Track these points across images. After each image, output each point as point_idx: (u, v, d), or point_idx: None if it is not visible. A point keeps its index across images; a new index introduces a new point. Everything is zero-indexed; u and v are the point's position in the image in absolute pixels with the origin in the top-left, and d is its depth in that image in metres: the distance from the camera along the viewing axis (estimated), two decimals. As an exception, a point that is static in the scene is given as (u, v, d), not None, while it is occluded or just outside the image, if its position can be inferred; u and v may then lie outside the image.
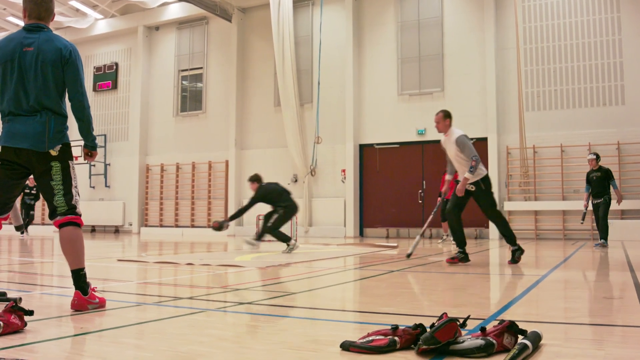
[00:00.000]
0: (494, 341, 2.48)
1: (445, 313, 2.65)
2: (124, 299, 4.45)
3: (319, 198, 17.95)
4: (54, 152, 3.79)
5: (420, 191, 16.77)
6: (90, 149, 4.07)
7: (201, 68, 20.74)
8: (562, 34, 15.75)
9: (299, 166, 17.90)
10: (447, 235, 12.93)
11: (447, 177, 8.11)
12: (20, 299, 3.17)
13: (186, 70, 21.13)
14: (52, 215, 3.88)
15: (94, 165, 22.03)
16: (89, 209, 20.47)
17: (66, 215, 3.84)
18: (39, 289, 5.13)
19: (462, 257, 7.37)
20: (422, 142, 16.85)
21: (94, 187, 22.07)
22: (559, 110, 15.62)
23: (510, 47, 16.07)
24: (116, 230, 21.70)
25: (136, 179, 21.24)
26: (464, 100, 16.50)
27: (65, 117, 3.91)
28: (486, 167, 15.93)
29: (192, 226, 18.73)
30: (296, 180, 18.26)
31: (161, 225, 20.39)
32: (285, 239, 9.66)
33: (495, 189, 15.83)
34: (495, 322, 2.69)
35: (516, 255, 7.30)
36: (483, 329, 2.54)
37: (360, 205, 17.49)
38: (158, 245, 12.74)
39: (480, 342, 2.45)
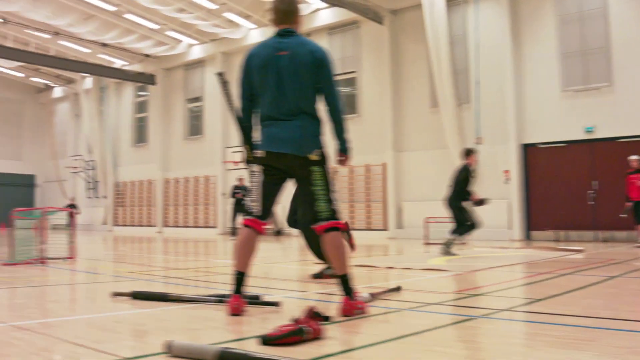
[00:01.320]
0: None
1: None
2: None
3: (480, 200, 17.51)
4: (314, 157, 3.81)
5: (590, 192, 15.90)
6: (344, 153, 4.05)
7: (354, 72, 20.96)
8: None
9: (460, 167, 17.56)
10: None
11: None
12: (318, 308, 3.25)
13: (339, 74, 21.45)
14: (314, 221, 3.88)
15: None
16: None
17: (330, 221, 3.83)
18: (275, 292, 5.21)
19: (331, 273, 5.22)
20: (590, 140, 15.96)
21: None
22: None
23: (690, 33, 14.81)
24: (278, 232, 22.32)
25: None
26: (638, 95, 15.42)
27: (321, 120, 3.92)
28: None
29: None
30: (456, 182, 17.95)
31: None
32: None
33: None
34: None
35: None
36: None
37: (526, 207, 16.90)
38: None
39: None
